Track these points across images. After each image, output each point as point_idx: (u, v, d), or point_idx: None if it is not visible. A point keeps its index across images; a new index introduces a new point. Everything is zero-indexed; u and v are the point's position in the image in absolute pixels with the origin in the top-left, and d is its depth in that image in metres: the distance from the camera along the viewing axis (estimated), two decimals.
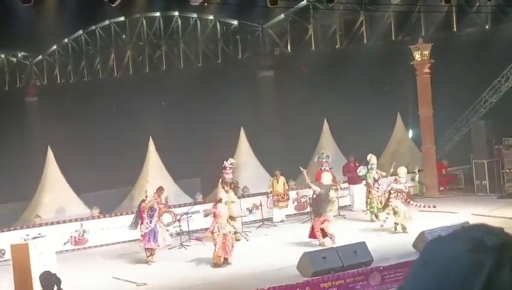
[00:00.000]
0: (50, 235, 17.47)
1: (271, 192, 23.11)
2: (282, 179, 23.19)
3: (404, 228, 19.54)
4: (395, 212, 19.66)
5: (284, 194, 23.08)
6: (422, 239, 15.87)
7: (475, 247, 1.26)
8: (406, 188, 20.00)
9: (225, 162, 20.55)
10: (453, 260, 1.26)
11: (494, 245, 1.26)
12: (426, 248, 1.34)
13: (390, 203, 19.68)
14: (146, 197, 18.66)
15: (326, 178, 19.31)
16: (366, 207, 22.16)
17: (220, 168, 21.09)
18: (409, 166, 26.12)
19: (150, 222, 18.30)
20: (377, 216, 21.29)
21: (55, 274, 14.51)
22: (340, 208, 23.37)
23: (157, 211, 18.72)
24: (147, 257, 18.43)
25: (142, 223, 18.46)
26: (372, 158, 22.04)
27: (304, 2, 41.92)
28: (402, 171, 20.12)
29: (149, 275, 17.18)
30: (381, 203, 20.86)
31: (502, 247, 1.25)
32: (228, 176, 20.27)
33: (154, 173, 24.06)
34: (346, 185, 24.08)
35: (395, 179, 20.02)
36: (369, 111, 32.30)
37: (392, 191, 19.74)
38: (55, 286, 13.88)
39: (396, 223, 19.72)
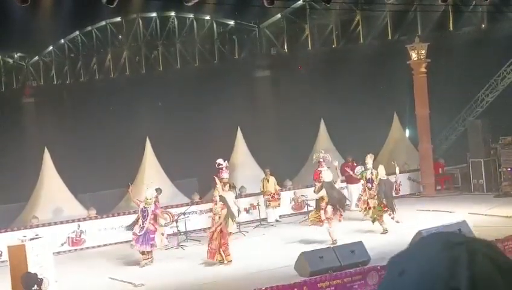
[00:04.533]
0: (47, 236, 17.43)
1: (262, 192, 23.06)
2: (272, 178, 23.10)
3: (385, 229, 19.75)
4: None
5: (274, 194, 23.00)
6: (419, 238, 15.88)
7: (447, 246, 1.37)
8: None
9: (223, 162, 20.47)
10: (430, 262, 1.35)
11: (461, 241, 1.39)
12: (396, 259, 1.42)
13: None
14: (146, 198, 18.58)
15: (326, 175, 19.16)
16: (359, 205, 22.32)
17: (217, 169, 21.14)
18: (405, 165, 26.27)
19: (143, 223, 18.23)
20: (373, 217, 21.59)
21: (35, 274, 14.73)
22: None
23: (150, 214, 18.53)
24: (143, 259, 18.32)
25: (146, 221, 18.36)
26: (367, 158, 22.11)
27: (301, 2, 41.93)
28: (380, 170, 20.31)
29: (146, 275, 17.17)
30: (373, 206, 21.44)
31: (467, 241, 1.39)
32: (226, 175, 20.25)
33: (151, 174, 24.04)
34: (344, 184, 24.06)
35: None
36: (366, 110, 32.32)
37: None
38: (36, 285, 14.17)
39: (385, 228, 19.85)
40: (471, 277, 1.32)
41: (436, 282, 1.31)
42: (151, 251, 18.36)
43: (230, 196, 20.07)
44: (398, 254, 1.42)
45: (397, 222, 19.92)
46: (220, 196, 18.25)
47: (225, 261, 17.57)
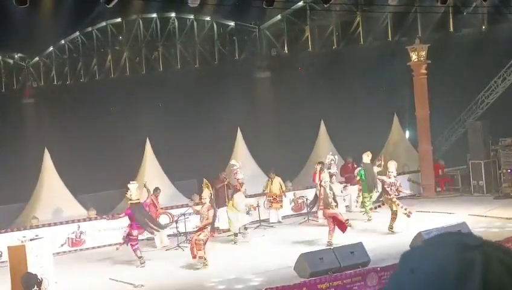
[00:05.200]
0: (47, 237, 17.44)
1: (265, 193, 23.06)
2: (277, 179, 23.09)
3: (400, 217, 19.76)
4: (392, 205, 19.76)
5: (277, 195, 22.98)
6: (419, 240, 15.88)
7: (461, 248, 1.33)
8: (396, 181, 20.13)
9: (236, 163, 20.95)
10: (443, 262, 1.32)
11: (478, 243, 1.35)
12: (409, 256, 1.39)
13: (388, 197, 19.80)
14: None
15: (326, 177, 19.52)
16: (359, 205, 22.46)
17: (217, 169, 21.20)
18: (405, 166, 26.28)
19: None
20: (367, 212, 21.74)
21: (35, 275, 14.77)
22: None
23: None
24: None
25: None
26: (364, 156, 22.21)
27: (301, 3, 41.95)
28: (392, 165, 20.26)
29: (146, 276, 17.17)
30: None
31: (484, 244, 1.35)
32: (240, 176, 20.72)
33: (151, 174, 24.03)
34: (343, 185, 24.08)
35: (386, 174, 20.25)
36: (366, 112, 32.34)
37: (385, 186, 19.88)
38: (35, 286, 14.23)
39: (391, 226, 19.76)
40: (484, 282, 1.29)
41: (447, 283, 1.30)
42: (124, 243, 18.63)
43: (242, 197, 20.25)
44: (412, 250, 1.40)
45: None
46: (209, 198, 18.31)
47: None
